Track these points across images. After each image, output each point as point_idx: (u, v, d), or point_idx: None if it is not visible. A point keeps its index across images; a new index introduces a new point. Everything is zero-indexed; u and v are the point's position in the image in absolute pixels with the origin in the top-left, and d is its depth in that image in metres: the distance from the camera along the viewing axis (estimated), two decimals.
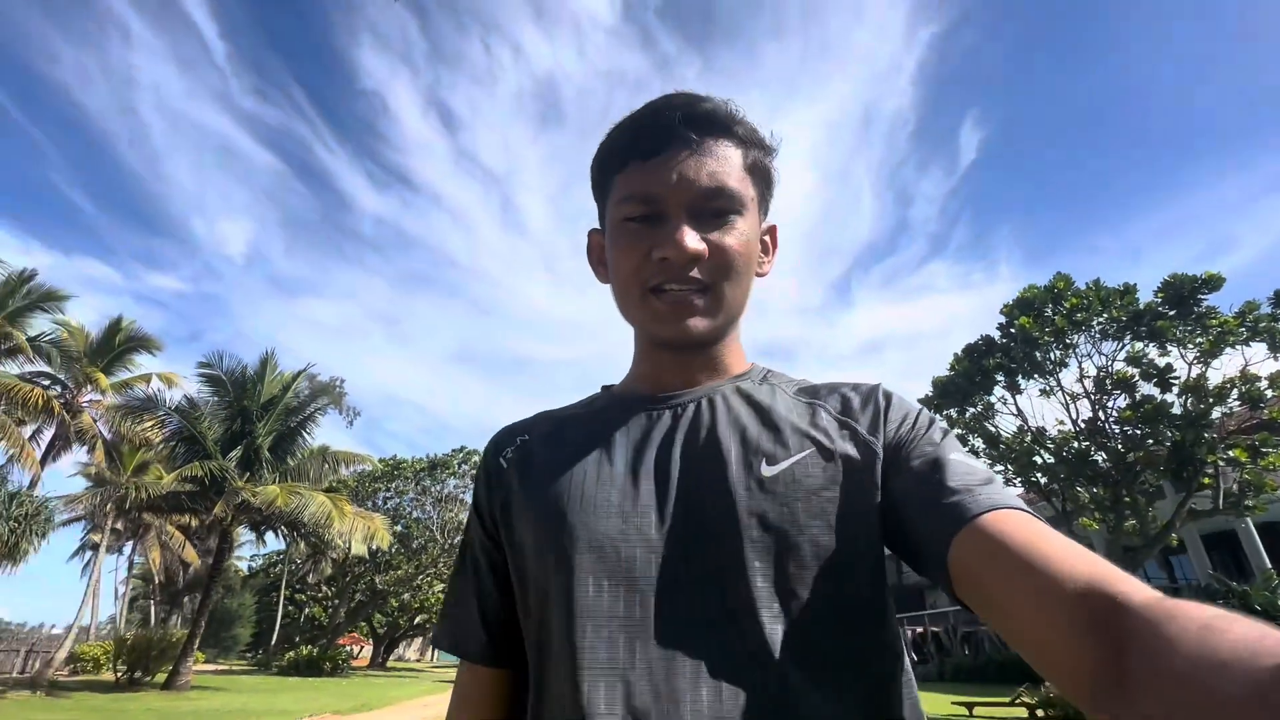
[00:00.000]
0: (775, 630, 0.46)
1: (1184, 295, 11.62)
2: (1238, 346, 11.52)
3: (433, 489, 31.25)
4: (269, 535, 20.55)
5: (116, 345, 18.61)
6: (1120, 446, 12.19)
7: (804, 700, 0.44)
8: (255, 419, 17.60)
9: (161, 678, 15.86)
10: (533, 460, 0.62)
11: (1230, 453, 11.03)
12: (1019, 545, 0.40)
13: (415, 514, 30.74)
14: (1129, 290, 12.41)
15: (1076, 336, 12.67)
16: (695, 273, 0.56)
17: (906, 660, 0.51)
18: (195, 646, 15.80)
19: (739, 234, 0.58)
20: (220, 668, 30.44)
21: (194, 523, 21.38)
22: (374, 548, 19.20)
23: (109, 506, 17.13)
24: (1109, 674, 0.31)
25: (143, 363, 19.76)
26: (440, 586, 31.92)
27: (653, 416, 0.60)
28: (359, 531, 17.45)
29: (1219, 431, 11.43)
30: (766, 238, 0.66)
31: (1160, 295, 11.93)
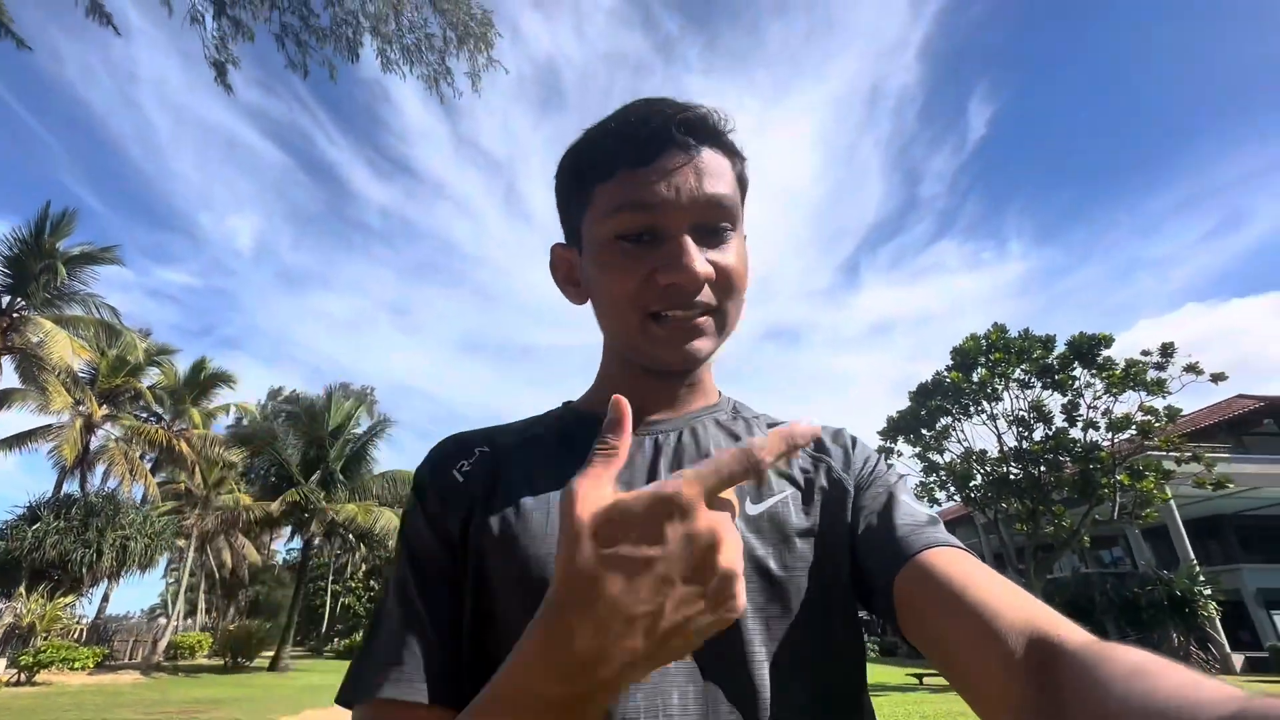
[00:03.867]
0: (762, 674, 0.46)
1: (1083, 351, 14.60)
2: (1128, 391, 14.47)
3: None
4: (324, 539, 23.89)
5: (201, 381, 21.94)
6: (1035, 470, 15.25)
7: None
8: (327, 445, 20.90)
9: (261, 662, 19.29)
10: (500, 480, 0.55)
11: (1118, 477, 14.02)
12: (959, 584, 0.41)
13: None
14: (1048, 341, 15.34)
15: (999, 384, 15.73)
16: (702, 296, 0.53)
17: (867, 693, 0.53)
18: (291, 636, 19.22)
19: (736, 252, 0.55)
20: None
21: (259, 528, 24.78)
22: None
23: (208, 520, 20.56)
24: (1042, 713, 0.31)
25: (219, 393, 23.15)
26: None
27: (633, 444, 0.56)
28: None
29: (1113, 458, 14.39)
30: None
31: (1066, 350, 14.94)
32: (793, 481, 0.55)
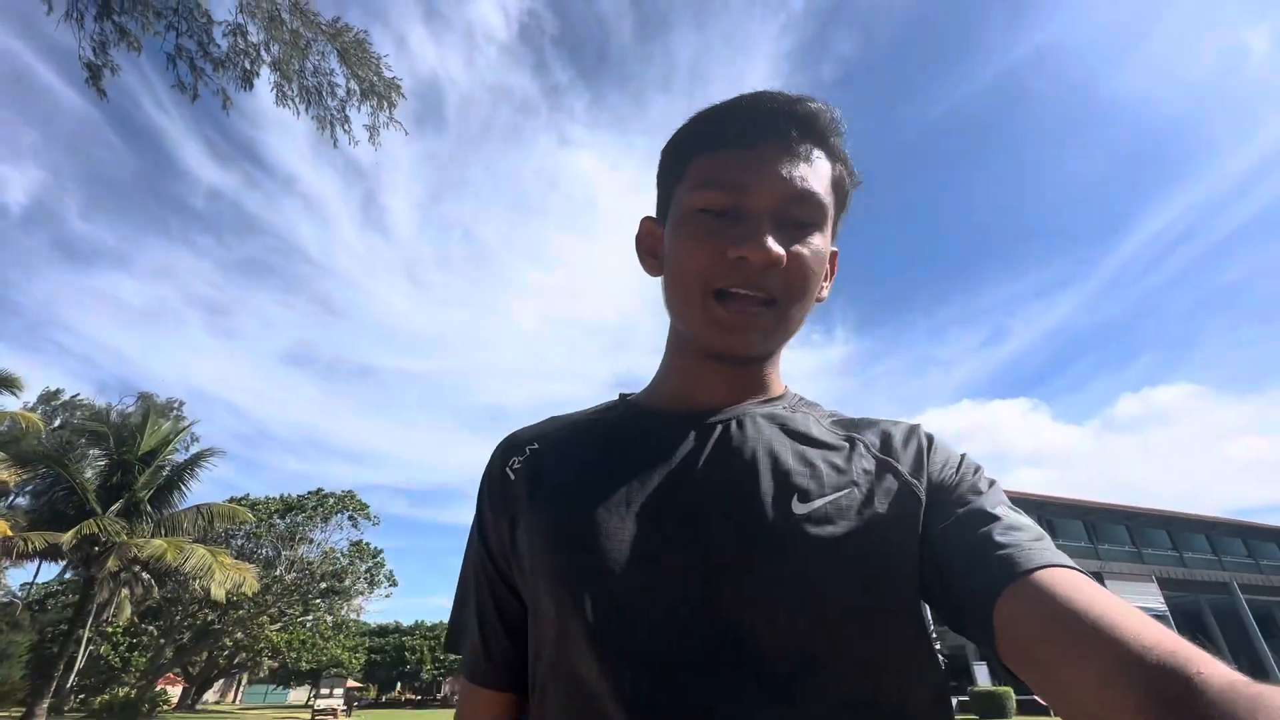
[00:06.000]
0: (793, 682, 0.43)
1: None
2: None
3: (280, 526, 31.79)
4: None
5: None
6: None
7: None
8: (136, 472, 18.74)
9: None
10: (543, 475, 0.57)
11: None
12: (1077, 608, 0.36)
13: (264, 552, 31.20)
14: None
15: None
16: (767, 281, 0.52)
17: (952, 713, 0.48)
18: (51, 690, 16.60)
19: (815, 250, 0.54)
20: (12, 714, 27.78)
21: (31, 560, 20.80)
22: (239, 592, 20.58)
23: None
24: None
25: None
26: (276, 626, 32.08)
27: (678, 436, 0.55)
28: (231, 581, 19.12)
29: None
30: (828, 263, 0.60)
31: None
32: (850, 481, 0.51)
